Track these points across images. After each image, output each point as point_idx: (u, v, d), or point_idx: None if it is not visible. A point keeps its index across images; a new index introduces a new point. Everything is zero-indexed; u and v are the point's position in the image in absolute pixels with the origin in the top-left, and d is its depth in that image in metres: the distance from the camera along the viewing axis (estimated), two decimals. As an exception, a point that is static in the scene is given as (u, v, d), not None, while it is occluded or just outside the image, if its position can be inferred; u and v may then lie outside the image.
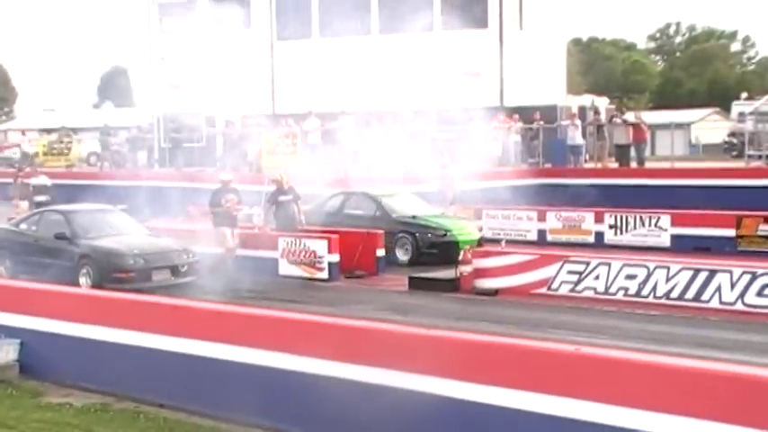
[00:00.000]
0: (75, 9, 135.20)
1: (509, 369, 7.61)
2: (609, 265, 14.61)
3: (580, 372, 7.27)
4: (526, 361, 7.62)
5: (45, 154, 33.17)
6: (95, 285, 15.36)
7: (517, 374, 7.53)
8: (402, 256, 19.07)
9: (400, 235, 19.18)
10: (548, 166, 28.60)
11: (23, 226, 17.89)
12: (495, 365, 7.72)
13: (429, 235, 19.03)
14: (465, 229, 19.47)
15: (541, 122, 28.89)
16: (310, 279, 17.24)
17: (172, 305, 10.86)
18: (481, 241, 19.05)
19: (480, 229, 20.30)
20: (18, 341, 11.38)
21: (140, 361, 10.17)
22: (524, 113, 29.16)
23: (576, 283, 14.80)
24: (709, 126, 49.68)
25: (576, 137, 28.18)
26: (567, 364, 7.40)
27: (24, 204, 22.87)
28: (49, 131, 39.69)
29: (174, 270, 16.32)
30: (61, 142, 33.21)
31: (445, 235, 18.96)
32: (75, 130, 38.72)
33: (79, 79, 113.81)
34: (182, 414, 9.53)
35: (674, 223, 20.35)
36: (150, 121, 36.11)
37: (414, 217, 19.54)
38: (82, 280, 15.93)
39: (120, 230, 17.15)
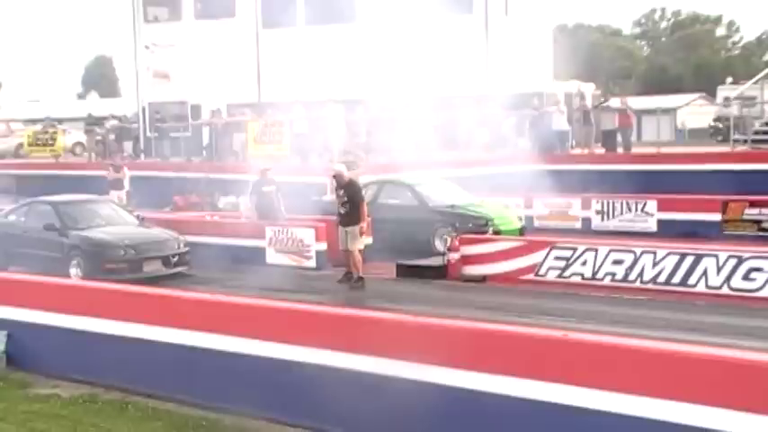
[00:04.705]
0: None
1: (497, 355, 7.63)
2: (596, 250, 14.64)
3: (568, 357, 7.30)
4: (514, 347, 7.65)
5: (30, 145, 32.88)
6: (86, 276, 15.31)
7: (505, 361, 7.55)
8: (441, 246, 17.59)
9: (439, 224, 18.25)
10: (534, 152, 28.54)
11: (12, 217, 17.81)
12: (483, 352, 7.74)
13: (470, 225, 17.92)
14: (506, 218, 18.79)
15: (529, 109, 28.85)
16: (298, 268, 17.22)
17: (160, 295, 10.85)
18: (523, 230, 18.71)
19: (521, 218, 19.50)
20: (5, 332, 11.38)
21: (129, 351, 10.16)
22: (511, 100, 29.08)
23: (564, 269, 14.83)
24: (694, 111, 49.82)
25: (561, 123, 28.19)
26: (556, 349, 7.43)
27: (123, 194, 22.52)
28: (33, 122, 39.38)
29: (166, 260, 16.30)
30: (46, 133, 32.91)
31: (486, 224, 18.09)
32: (60, 121, 38.35)
33: (63, 69, 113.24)
34: (171, 404, 9.54)
35: (660, 208, 20.41)
36: (135, 110, 35.91)
37: (452, 206, 18.76)
38: (72, 271, 15.89)
39: (110, 221, 17.11)
